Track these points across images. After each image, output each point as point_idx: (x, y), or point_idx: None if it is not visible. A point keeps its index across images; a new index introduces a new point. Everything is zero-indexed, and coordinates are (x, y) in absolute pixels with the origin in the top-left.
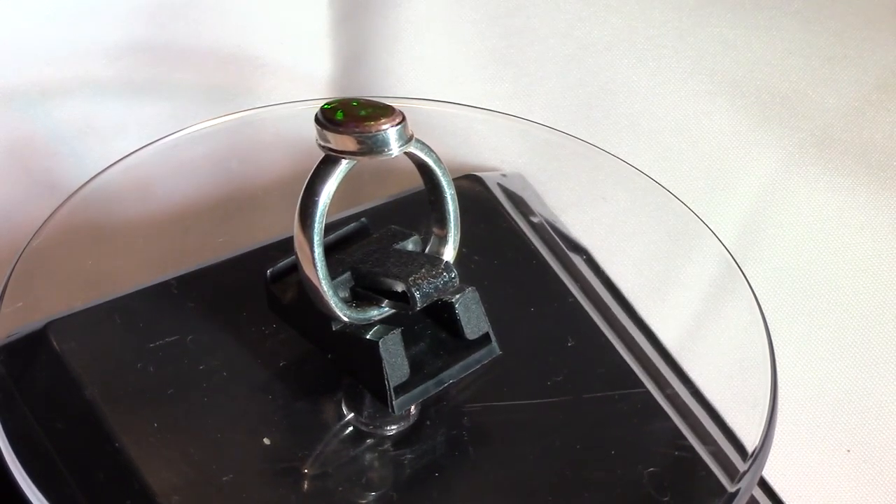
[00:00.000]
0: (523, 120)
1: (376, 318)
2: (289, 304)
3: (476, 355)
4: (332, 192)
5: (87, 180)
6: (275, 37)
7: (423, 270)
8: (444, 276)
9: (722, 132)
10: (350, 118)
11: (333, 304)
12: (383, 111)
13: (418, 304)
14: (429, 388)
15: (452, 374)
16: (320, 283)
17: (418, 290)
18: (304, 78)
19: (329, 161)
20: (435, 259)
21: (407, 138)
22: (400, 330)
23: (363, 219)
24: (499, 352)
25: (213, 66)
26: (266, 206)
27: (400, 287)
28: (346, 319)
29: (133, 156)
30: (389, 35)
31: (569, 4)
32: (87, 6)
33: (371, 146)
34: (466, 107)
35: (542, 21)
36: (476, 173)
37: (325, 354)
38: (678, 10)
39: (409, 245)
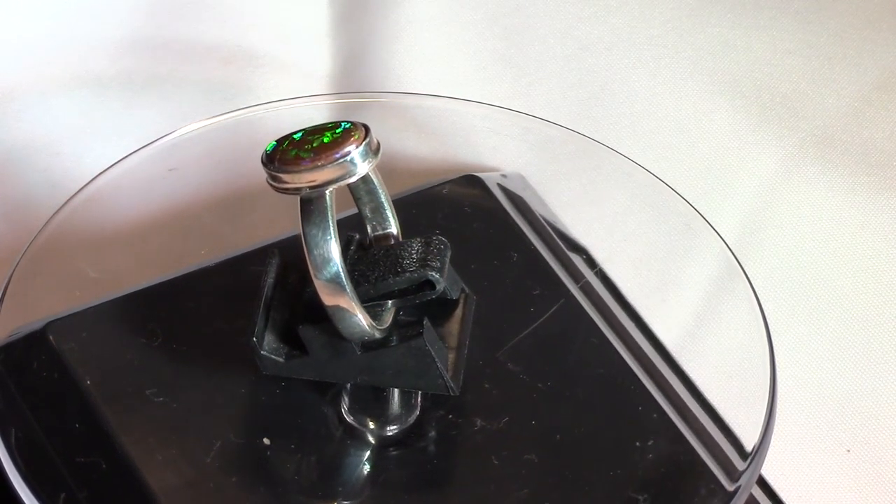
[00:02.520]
0: (523, 115)
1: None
2: (295, 358)
3: (468, 312)
4: (332, 225)
5: (87, 181)
6: (275, 37)
7: (422, 253)
8: (440, 246)
9: (722, 132)
10: (310, 150)
11: (369, 327)
12: (342, 133)
13: (441, 284)
14: (462, 357)
15: (465, 336)
16: (358, 313)
17: (437, 271)
18: (305, 78)
19: (312, 201)
20: (412, 240)
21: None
22: (425, 320)
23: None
24: (474, 297)
25: (213, 66)
26: (266, 206)
27: (418, 278)
28: (377, 335)
29: (133, 156)
30: (389, 35)
31: (569, 4)
32: (88, 6)
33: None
34: (466, 101)
35: (542, 21)
36: (476, 173)
37: (350, 382)
38: (678, 10)
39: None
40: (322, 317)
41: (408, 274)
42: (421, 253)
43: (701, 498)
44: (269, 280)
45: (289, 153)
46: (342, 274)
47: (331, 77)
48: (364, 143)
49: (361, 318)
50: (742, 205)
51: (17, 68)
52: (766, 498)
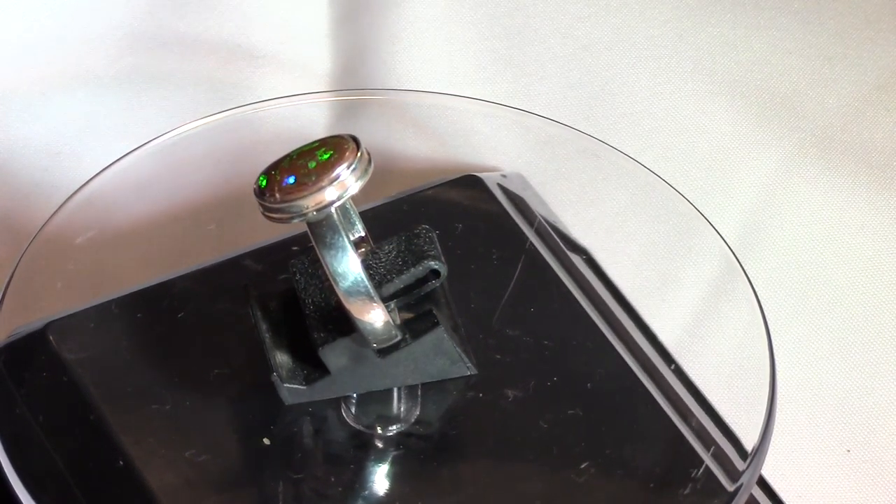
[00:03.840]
0: (521, 111)
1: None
2: (316, 381)
3: (447, 292)
4: (346, 240)
5: (86, 180)
6: (276, 37)
7: (414, 246)
8: (428, 235)
9: (722, 132)
10: (308, 172)
11: (395, 330)
12: (331, 155)
13: (445, 270)
14: (463, 335)
15: (455, 315)
16: (387, 318)
17: (437, 259)
18: (305, 78)
19: (320, 223)
20: (396, 238)
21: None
22: (433, 309)
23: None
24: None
25: (213, 66)
26: None
27: (422, 271)
28: (400, 336)
29: (132, 155)
30: (389, 35)
31: (569, 4)
32: (88, 6)
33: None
34: (464, 98)
35: (542, 21)
36: (476, 173)
37: (373, 389)
38: (678, 10)
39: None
40: (331, 334)
41: (412, 270)
42: (414, 247)
43: (702, 498)
44: (258, 314)
45: (286, 181)
46: (369, 285)
47: (331, 77)
48: (358, 153)
49: (391, 323)
50: (742, 204)
51: (17, 68)
52: (765, 498)
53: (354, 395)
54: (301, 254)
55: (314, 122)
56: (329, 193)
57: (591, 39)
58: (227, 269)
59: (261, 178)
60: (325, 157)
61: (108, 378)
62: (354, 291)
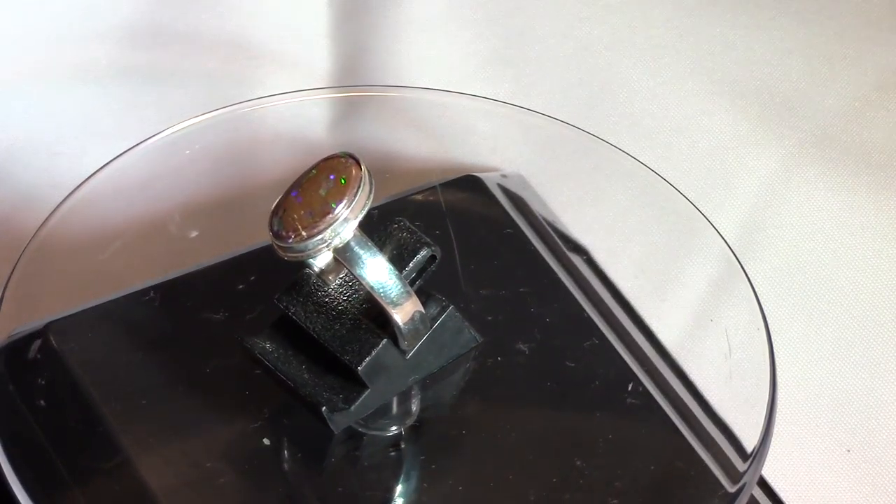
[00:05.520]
0: (520, 108)
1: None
2: (356, 399)
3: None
4: (379, 252)
5: (85, 178)
6: (276, 37)
7: (402, 239)
8: (409, 227)
9: (722, 132)
10: (326, 202)
11: (427, 323)
12: (332, 192)
13: (439, 252)
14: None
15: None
16: (423, 315)
17: (429, 245)
18: (305, 77)
19: (347, 245)
20: (381, 236)
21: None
22: (434, 292)
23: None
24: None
25: (214, 66)
26: (266, 206)
27: (423, 259)
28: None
29: (130, 153)
30: (389, 35)
31: (569, 4)
32: (88, 6)
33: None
34: (462, 95)
35: (542, 21)
36: (476, 174)
37: (404, 389)
38: (678, 10)
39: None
40: (362, 350)
41: (416, 258)
42: (402, 241)
43: (702, 499)
44: (266, 362)
45: (304, 220)
46: (409, 287)
47: (331, 76)
48: (362, 170)
49: (426, 317)
50: (742, 205)
51: (17, 68)
52: (765, 497)
53: None
54: (283, 293)
55: (314, 122)
56: (351, 216)
57: (591, 39)
58: (227, 269)
59: (274, 222)
60: (333, 182)
61: (108, 378)
62: (400, 297)
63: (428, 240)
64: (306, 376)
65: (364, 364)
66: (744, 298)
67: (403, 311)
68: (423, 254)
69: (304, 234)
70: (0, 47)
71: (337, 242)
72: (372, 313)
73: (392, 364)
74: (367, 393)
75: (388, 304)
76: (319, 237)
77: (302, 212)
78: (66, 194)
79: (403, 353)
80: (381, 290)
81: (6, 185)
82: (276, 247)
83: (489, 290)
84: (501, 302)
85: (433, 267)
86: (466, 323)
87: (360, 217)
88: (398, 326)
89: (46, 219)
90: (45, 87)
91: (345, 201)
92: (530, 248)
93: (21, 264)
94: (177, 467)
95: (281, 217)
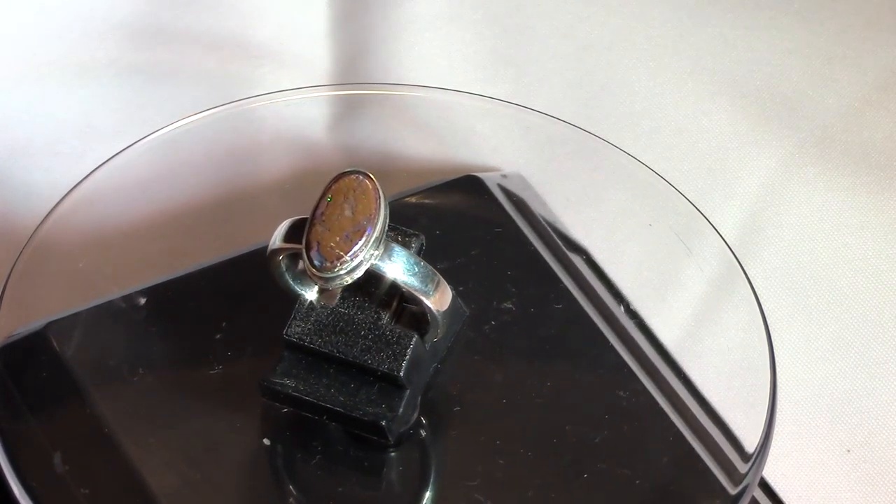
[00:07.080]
0: (519, 107)
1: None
2: (399, 406)
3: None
4: (416, 254)
5: (83, 176)
6: (275, 36)
7: (392, 234)
8: (391, 225)
9: (722, 132)
10: (357, 222)
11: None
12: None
13: (424, 240)
14: None
15: None
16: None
17: (417, 235)
18: (305, 77)
19: (389, 252)
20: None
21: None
22: None
23: None
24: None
25: (214, 65)
26: (266, 205)
27: (420, 245)
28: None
29: (129, 150)
30: (389, 35)
31: (569, 4)
32: (88, 5)
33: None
34: (466, 95)
35: (542, 21)
36: (476, 174)
37: (428, 380)
38: (678, 10)
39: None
40: (396, 354)
41: (412, 248)
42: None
43: (703, 499)
44: (304, 396)
45: (343, 245)
46: (439, 274)
47: (331, 76)
48: (372, 179)
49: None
50: (742, 205)
51: (16, 68)
52: (765, 497)
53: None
54: (290, 329)
55: (314, 121)
56: (382, 230)
57: (591, 39)
58: (227, 269)
59: (314, 257)
60: (354, 201)
61: (108, 378)
62: (438, 285)
63: (411, 231)
64: (342, 398)
65: (404, 367)
66: (743, 298)
67: (443, 299)
68: (415, 245)
69: (348, 258)
70: (0, 47)
71: (378, 254)
72: (382, 317)
73: (421, 358)
74: (407, 394)
75: (436, 300)
76: (363, 255)
77: (337, 238)
78: (65, 194)
79: (425, 344)
80: (422, 285)
81: (6, 185)
82: (318, 279)
83: (488, 291)
84: (501, 302)
85: (420, 254)
86: (461, 301)
87: (384, 230)
88: (435, 316)
89: (45, 218)
90: (45, 87)
91: (373, 214)
92: (530, 248)
93: (21, 264)
94: (177, 467)
95: (318, 251)
